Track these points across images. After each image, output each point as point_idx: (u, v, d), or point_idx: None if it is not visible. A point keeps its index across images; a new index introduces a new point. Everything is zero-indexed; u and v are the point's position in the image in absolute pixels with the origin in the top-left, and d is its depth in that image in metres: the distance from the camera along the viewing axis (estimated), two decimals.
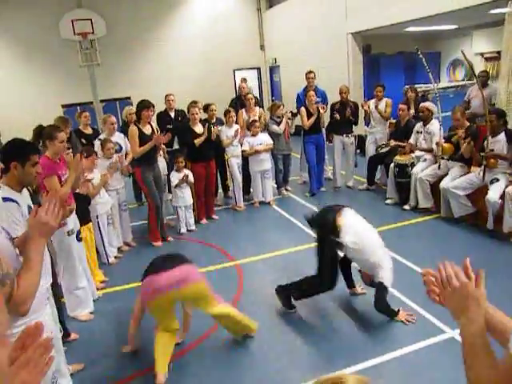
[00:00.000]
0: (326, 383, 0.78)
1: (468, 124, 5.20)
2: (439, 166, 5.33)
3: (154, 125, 5.34)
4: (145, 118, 4.98)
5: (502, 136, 4.65)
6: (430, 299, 1.14)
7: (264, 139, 6.33)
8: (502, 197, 4.51)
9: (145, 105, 4.97)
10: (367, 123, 7.06)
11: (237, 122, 6.33)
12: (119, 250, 5.13)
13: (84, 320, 3.72)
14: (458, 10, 6.67)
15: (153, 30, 12.04)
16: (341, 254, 3.50)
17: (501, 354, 0.89)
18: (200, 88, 11.54)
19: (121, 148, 5.41)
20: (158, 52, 12.21)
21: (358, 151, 7.83)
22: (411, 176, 5.60)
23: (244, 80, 8.20)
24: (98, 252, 4.64)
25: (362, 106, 6.83)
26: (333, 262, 3.40)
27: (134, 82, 11.76)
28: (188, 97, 7.11)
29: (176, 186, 5.49)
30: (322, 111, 6.45)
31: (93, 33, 11.20)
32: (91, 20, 11.12)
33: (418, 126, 5.79)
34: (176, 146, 6.32)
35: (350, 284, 3.77)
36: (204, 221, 5.94)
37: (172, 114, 6.62)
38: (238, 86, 7.47)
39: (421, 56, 5.28)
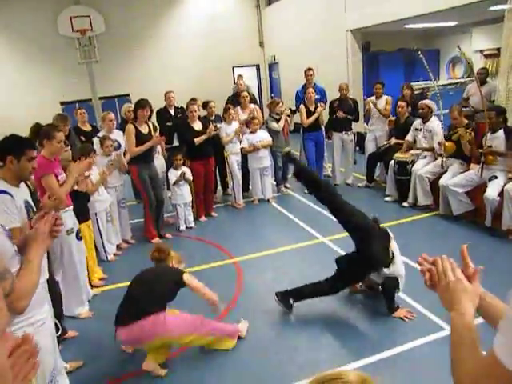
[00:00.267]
0: (326, 379, 0.78)
1: (466, 122, 5.19)
2: (442, 164, 5.32)
3: (151, 123, 5.31)
4: (141, 118, 4.97)
5: (500, 133, 4.65)
6: (427, 287, 1.15)
7: (263, 136, 6.32)
8: (501, 194, 4.51)
9: (141, 104, 4.96)
10: (367, 120, 7.05)
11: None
12: (118, 247, 5.13)
13: (83, 318, 3.73)
14: (457, 7, 6.66)
15: (152, 27, 12.00)
16: None
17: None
18: (199, 85, 11.51)
19: (119, 145, 5.40)
20: (156, 49, 12.17)
21: (358, 148, 7.83)
22: (411, 173, 5.60)
23: (240, 77, 8.18)
24: (96, 249, 4.64)
25: (365, 105, 6.83)
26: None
27: (133, 79, 11.73)
28: (187, 94, 7.11)
29: (174, 183, 5.48)
30: (321, 108, 6.44)
31: (91, 29, 11.16)
32: (90, 17, 11.08)
33: (417, 123, 5.78)
34: (176, 143, 6.31)
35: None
36: (203, 218, 5.94)
37: (172, 111, 6.61)
38: (236, 84, 7.45)
39: (421, 56, 5.27)
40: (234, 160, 6.22)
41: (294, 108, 7.10)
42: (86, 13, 11.07)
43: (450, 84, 10.17)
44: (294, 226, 5.48)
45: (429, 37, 11.70)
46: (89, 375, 2.99)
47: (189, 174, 5.56)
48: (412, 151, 5.81)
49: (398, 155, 5.81)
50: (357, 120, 6.85)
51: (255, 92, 13.07)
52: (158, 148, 5.75)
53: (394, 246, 3.38)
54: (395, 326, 3.25)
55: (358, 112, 6.85)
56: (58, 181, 3.41)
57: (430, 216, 5.36)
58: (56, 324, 2.71)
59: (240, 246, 5.01)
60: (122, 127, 6.00)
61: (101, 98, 11.73)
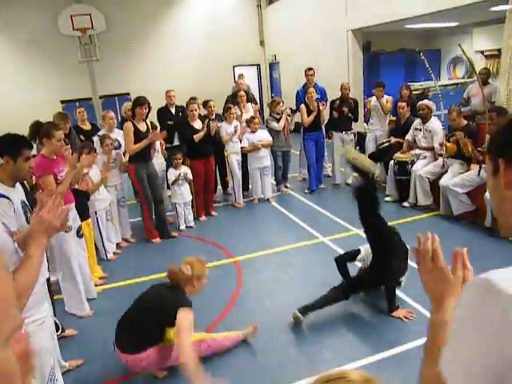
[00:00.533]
0: (329, 379, 0.78)
1: (466, 123, 5.18)
2: (443, 165, 5.31)
3: (149, 121, 5.31)
4: (139, 116, 4.95)
5: None
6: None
7: (263, 136, 6.32)
8: None
9: (139, 102, 4.94)
10: (367, 120, 7.05)
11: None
12: (118, 246, 5.13)
13: (82, 316, 3.72)
14: (458, 7, 6.65)
15: (152, 26, 11.99)
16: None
17: None
18: (199, 84, 11.51)
19: (120, 145, 5.40)
20: (157, 48, 12.17)
21: (358, 148, 7.82)
22: (411, 173, 5.59)
23: (241, 76, 8.17)
24: (96, 248, 4.63)
25: (365, 105, 6.84)
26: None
27: (134, 77, 11.73)
28: (187, 93, 7.10)
29: (173, 183, 5.48)
30: (321, 108, 6.44)
31: (92, 28, 11.15)
32: (90, 15, 11.07)
33: (417, 123, 5.78)
34: (176, 142, 6.31)
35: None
36: (203, 217, 5.94)
37: (173, 110, 6.61)
38: (235, 83, 7.45)
39: (423, 57, 5.27)
40: (234, 159, 6.22)
41: (294, 108, 7.10)
42: (87, 11, 11.06)
43: (450, 84, 10.17)
44: (294, 226, 5.48)
45: (429, 37, 11.70)
46: (88, 374, 2.99)
47: (189, 174, 5.56)
48: (412, 151, 5.81)
49: (398, 155, 5.81)
50: (356, 120, 6.86)
51: (255, 91, 13.07)
52: (158, 147, 5.74)
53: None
54: (396, 326, 3.25)
55: (358, 112, 6.86)
56: (57, 179, 3.41)
57: (430, 216, 5.36)
58: (56, 322, 2.71)
59: (240, 245, 5.00)
60: (122, 126, 5.99)
61: (101, 97, 11.72)
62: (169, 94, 6.57)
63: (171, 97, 6.55)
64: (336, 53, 9.64)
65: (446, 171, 5.24)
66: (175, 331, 2.58)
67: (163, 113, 6.60)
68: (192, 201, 5.76)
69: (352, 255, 3.69)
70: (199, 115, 5.82)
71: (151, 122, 5.59)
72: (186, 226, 5.66)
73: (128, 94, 11.37)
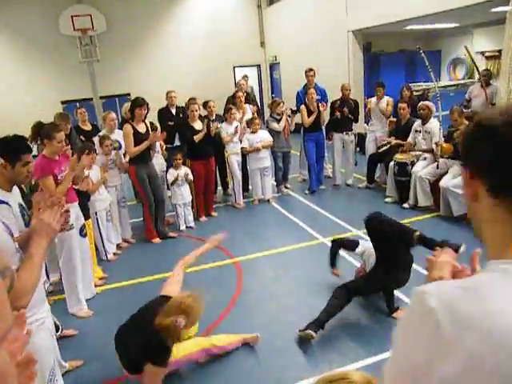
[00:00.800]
0: (332, 379, 0.78)
1: (467, 123, 5.18)
2: (438, 165, 5.32)
3: (148, 122, 5.30)
4: (138, 117, 4.95)
5: None
6: None
7: (264, 136, 6.32)
8: None
9: (138, 103, 4.93)
10: (367, 121, 7.05)
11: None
12: (118, 246, 5.13)
13: (83, 316, 3.72)
14: (459, 8, 6.65)
15: (152, 27, 12.00)
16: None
17: None
18: (200, 85, 11.52)
19: (120, 146, 5.39)
20: (157, 48, 12.17)
21: (358, 149, 7.83)
22: (411, 174, 5.59)
23: (245, 77, 8.16)
24: (96, 248, 4.64)
25: (366, 105, 6.84)
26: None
27: (134, 78, 11.73)
28: (188, 93, 7.11)
29: (172, 183, 5.48)
30: (322, 109, 6.44)
31: (93, 29, 11.16)
32: (91, 16, 11.08)
33: (417, 124, 5.78)
34: (177, 143, 6.31)
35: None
36: (203, 218, 5.94)
37: (173, 111, 6.61)
38: (236, 83, 7.44)
39: (422, 54, 5.27)
40: (234, 160, 6.22)
41: (294, 108, 7.10)
42: (88, 12, 11.07)
43: (450, 85, 10.17)
44: (294, 227, 5.47)
45: (430, 38, 11.70)
46: (88, 374, 2.99)
47: (189, 175, 5.56)
48: (412, 152, 5.81)
49: (398, 156, 5.81)
50: (356, 121, 6.86)
51: (256, 92, 13.09)
52: (158, 148, 5.74)
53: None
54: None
55: (358, 113, 6.86)
56: (57, 180, 3.42)
57: (430, 217, 5.36)
58: (55, 323, 2.71)
59: (240, 246, 5.00)
60: (122, 127, 5.99)
61: (102, 98, 11.73)
62: (170, 95, 6.57)
63: (172, 97, 6.55)
64: (336, 53, 9.64)
65: (446, 172, 5.24)
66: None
67: (164, 113, 6.60)
68: (192, 201, 5.77)
69: (351, 244, 3.73)
70: (199, 116, 5.83)
71: (151, 123, 5.58)
72: (186, 227, 5.66)
73: (128, 94, 11.37)
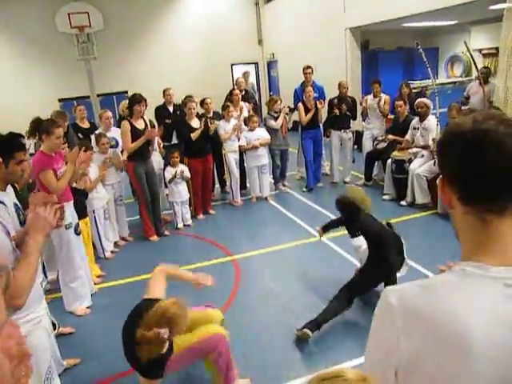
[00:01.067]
0: (326, 377, 0.78)
1: None
2: (435, 162, 5.33)
3: (147, 119, 5.29)
4: (137, 113, 4.94)
5: None
6: None
7: (261, 134, 6.32)
8: None
9: (137, 99, 4.92)
10: (364, 119, 7.05)
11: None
12: (116, 244, 5.13)
13: (80, 315, 3.72)
14: (457, 6, 6.65)
15: (150, 24, 11.96)
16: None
17: None
18: (197, 82, 11.48)
19: (117, 143, 5.39)
20: (155, 46, 12.13)
21: (356, 147, 7.83)
22: (409, 172, 5.60)
23: (246, 74, 8.11)
24: (94, 246, 4.63)
25: (361, 103, 6.84)
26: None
27: (131, 76, 11.70)
28: (185, 91, 7.08)
29: (170, 181, 5.47)
30: (319, 106, 6.44)
31: (90, 26, 11.11)
32: (88, 13, 11.03)
33: (415, 121, 5.79)
34: (174, 141, 6.30)
35: None
36: (201, 216, 5.93)
37: (170, 108, 6.59)
38: (235, 81, 7.43)
39: (420, 50, 5.26)
40: (231, 158, 6.21)
41: (292, 106, 7.10)
42: (85, 10, 11.01)
43: (448, 83, 10.17)
44: (292, 224, 5.48)
45: (428, 35, 11.69)
46: (86, 372, 3.00)
47: (186, 172, 5.55)
48: (409, 150, 5.81)
49: (396, 154, 5.82)
50: (354, 118, 6.86)
51: (254, 91, 13.05)
52: (156, 145, 5.73)
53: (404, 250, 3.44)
54: None
55: (356, 110, 6.86)
56: (56, 175, 3.41)
57: (427, 214, 5.37)
58: (52, 321, 2.70)
59: (238, 243, 5.01)
60: (119, 124, 5.97)
61: (99, 95, 11.69)
62: (167, 93, 6.55)
63: (170, 95, 6.53)
64: (334, 51, 9.63)
65: None
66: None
67: (161, 111, 6.57)
68: (190, 199, 5.76)
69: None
70: (197, 113, 5.81)
71: (150, 121, 5.57)
72: (184, 225, 5.66)
73: (126, 92, 11.33)
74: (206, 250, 4.93)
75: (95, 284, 4.20)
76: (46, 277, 3.90)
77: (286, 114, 6.77)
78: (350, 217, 3.49)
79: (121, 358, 3.09)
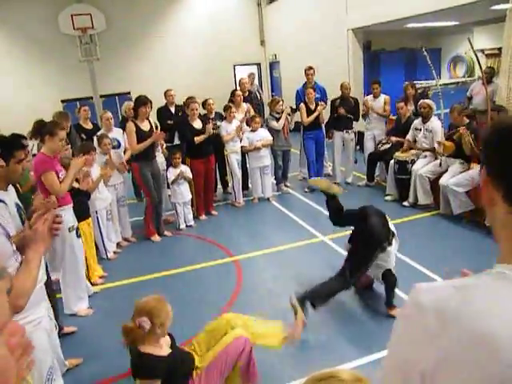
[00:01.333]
0: (321, 378, 0.78)
1: (467, 121, 5.18)
2: (440, 163, 5.31)
3: (153, 120, 5.31)
4: (142, 115, 4.95)
5: None
6: None
7: (263, 135, 6.32)
8: None
9: (142, 101, 4.94)
10: (365, 119, 7.03)
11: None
12: (118, 245, 5.14)
13: (83, 315, 3.73)
14: (459, 6, 6.64)
15: (152, 25, 11.99)
16: None
17: None
18: (200, 83, 11.50)
19: (119, 144, 5.40)
20: (157, 47, 12.16)
21: (358, 147, 7.82)
22: (411, 173, 5.59)
23: (251, 76, 8.07)
24: (97, 247, 4.64)
25: (364, 104, 6.84)
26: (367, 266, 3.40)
27: (134, 77, 11.73)
28: (188, 92, 7.09)
29: (172, 182, 5.48)
30: (320, 107, 6.43)
31: (92, 28, 11.15)
32: (91, 15, 11.06)
33: (417, 122, 5.78)
34: (177, 142, 6.31)
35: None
36: (203, 216, 5.94)
37: (172, 110, 6.60)
38: (238, 82, 7.41)
39: (426, 54, 5.25)
40: (234, 159, 6.22)
41: (294, 107, 7.10)
42: (88, 11, 11.05)
43: (451, 83, 10.15)
44: (294, 225, 5.47)
45: (430, 36, 11.68)
46: (88, 372, 3.00)
47: (188, 173, 5.56)
48: (412, 151, 5.80)
49: (398, 154, 5.81)
50: (357, 119, 6.85)
51: (258, 92, 13.05)
52: (158, 146, 5.74)
53: (391, 225, 3.43)
54: (390, 327, 3.24)
55: (359, 111, 6.86)
56: (58, 177, 3.41)
57: (430, 215, 5.36)
58: (55, 322, 2.71)
59: (240, 244, 5.01)
60: (122, 125, 5.99)
61: (102, 96, 11.72)
62: (169, 94, 6.56)
63: (172, 96, 6.54)
64: (336, 52, 9.62)
65: (446, 170, 5.24)
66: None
67: (163, 112, 6.60)
68: (192, 200, 5.77)
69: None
70: (199, 114, 5.82)
71: (154, 122, 5.59)
72: (186, 226, 5.67)
73: (128, 93, 11.37)
74: (208, 251, 4.93)
75: (97, 285, 4.21)
76: (49, 277, 3.92)
77: (288, 114, 6.77)
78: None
79: (123, 359, 3.11)
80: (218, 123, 6.04)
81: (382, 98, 6.61)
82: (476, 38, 10.95)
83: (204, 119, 5.81)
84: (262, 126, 6.48)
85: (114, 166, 4.97)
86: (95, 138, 5.27)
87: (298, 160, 7.38)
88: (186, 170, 5.55)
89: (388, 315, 3.37)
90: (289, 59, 11.99)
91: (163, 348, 2.24)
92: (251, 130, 6.28)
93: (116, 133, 5.44)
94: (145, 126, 4.99)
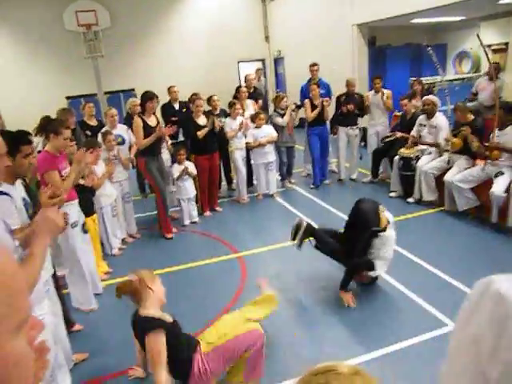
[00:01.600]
0: (319, 371, 0.79)
1: (472, 118, 5.14)
2: (448, 160, 5.28)
3: (159, 116, 5.32)
4: (149, 110, 4.96)
5: (509, 130, 4.61)
6: None
7: (268, 131, 6.31)
8: (507, 190, 4.48)
9: (149, 96, 4.95)
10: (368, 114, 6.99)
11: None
12: (123, 241, 5.16)
13: (88, 311, 3.76)
14: (466, 1, 6.58)
15: (157, 22, 11.98)
16: None
17: None
18: (204, 79, 11.50)
19: (124, 140, 5.41)
20: (162, 43, 12.15)
21: (363, 144, 7.80)
22: (416, 169, 5.57)
23: (259, 71, 8.01)
24: (102, 243, 4.67)
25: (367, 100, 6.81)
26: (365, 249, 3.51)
27: (138, 73, 11.73)
28: (192, 88, 7.10)
29: (177, 178, 5.49)
30: (325, 104, 6.41)
31: (97, 24, 11.16)
32: (95, 11, 11.08)
33: (422, 118, 5.74)
34: (181, 138, 6.31)
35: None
36: (207, 213, 5.95)
37: (176, 106, 6.60)
38: (244, 78, 7.38)
39: (431, 52, 5.21)
40: (238, 155, 6.22)
41: (299, 103, 7.08)
42: (92, 7, 11.06)
43: (456, 79, 10.08)
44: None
45: (436, 31, 11.58)
46: (94, 368, 3.03)
47: (192, 169, 5.57)
48: (417, 147, 5.77)
49: (403, 151, 5.78)
50: (362, 115, 6.82)
51: (261, 87, 13.03)
52: (164, 142, 5.75)
53: (387, 215, 3.50)
54: (397, 322, 3.25)
55: (364, 108, 6.82)
56: (61, 176, 3.42)
57: (435, 212, 5.33)
58: (68, 318, 2.73)
59: (244, 240, 5.02)
60: (126, 122, 6.01)
61: (106, 93, 11.75)
62: (172, 90, 6.56)
63: (175, 92, 6.54)
64: (341, 48, 9.58)
65: (451, 167, 5.22)
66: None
67: (167, 109, 6.60)
68: (196, 196, 5.78)
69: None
70: (204, 111, 5.82)
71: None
72: (191, 222, 5.68)
73: (133, 89, 11.38)
74: (212, 247, 4.95)
75: (103, 281, 4.23)
76: (55, 273, 3.95)
77: (293, 110, 6.76)
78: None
79: (129, 353, 3.14)
80: (223, 120, 6.03)
81: (385, 92, 6.57)
82: (483, 33, 10.83)
83: (209, 115, 5.80)
84: (266, 123, 6.47)
85: (120, 162, 5.00)
86: (100, 135, 5.29)
87: (302, 156, 7.37)
88: (190, 166, 5.56)
89: (387, 316, 3.37)
90: (293, 55, 11.95)
91: (166, 317, 2.38)
92: (256, 127, 6.27)
93: (120, 129, 5.46)
94: (152, 122, 5.00)
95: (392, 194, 5.99)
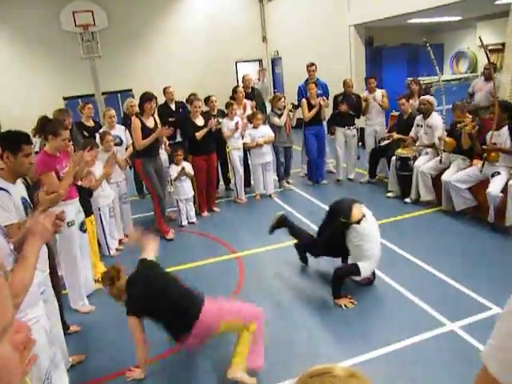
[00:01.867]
0: (314, 374, 0.78)
1: (470, 117, 5.16)
2: (441, 160, 5.30)
3: (156, 117, 5.31)
4: (148, 111, 4.95)
5: (505, 130, 4.62)
6: None
7: (266, 131, 6.31)
8: (504, 190, 4.49)
9: (147, 97, 4.93)
10: (365, 114, 7.01)
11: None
12: (120, 242, 5.15)
13: (85, 312, 3.75)
14: (462, 1, 6.60)
15: (154, 22, 11.97)
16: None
17: None
18: (202, 80, 11.51)
19: (121, 141, 5.40)
20: (159, 44, 12.15)
21: (360, 144, 7.80)
22: (413, 169, 5.58)
23: (262, 70, 7.95)
24: (99, 244, 4.66)
25: (364, 100, 6.82)
26: (329, 242, 3.70)
27: (136, 74, 11.73)
28: (190, 89, 7.10)
29: (175, 179, 5.49)
30: (322, 103, 6.42)
31: (94, 25, 11.15)
32: (92, 12, 11.07)
33: (418, 119, 5.76)
34: (179, 139, 6.30)
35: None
36: (205, 213, 5.95)
37: (172, 106, 6.59)
38: (242, 78, 7.38)
39: (429, 49, 5.22)
40: (235, 155, 6.22)
41: (296, 103, 7.08)
42: (89, 8, 11.05)
43: (453, 79, 10.11)
44: (296, 221, 5.45)
45: (433, 31, 11.62)
46: (90, 369, 3.02)
47: (189, 169, 5.56)
48: (414, 147, 5.79)
49: (400, 151, 5.79)
50: (359, 116, 6.83)
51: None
52: (161, 143, 5.74)
53: (365, 210, 3.56)
54: (394, 322, 3.25)
55: (361, 107, 6.83)
56: (59, 176, 3.42)
57: (432, 212, 5.34)
58: (65, 321, 2.72)
59: (242, 241, 5.01)
60: (123, 122, 5.99)
61: (103, 93, 11.73)
62: (168, 91, 6.54)
63: (171, 93, 6.52)
64: (338, 48, 9.60)
65: (448, 167, 5.23)
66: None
67: (163, 109, 6.58)
68: (194, 197, 5.78)
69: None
70: (202, 112, 5.82)
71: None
72: (188, 222, 5.68)
73: (130, 90, 11.37)
74: (210, 248, 4.94)
75: (100, 281, 4.21)
76: (55, 273, 3.93)
77: (290, 111, 6.76)
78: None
79: (125, 354, 3.13)
80: (220, 120, 6.03)
81: (379, 92, 6.60)
82: (479, 34, 10.89)
83: (206, 116, 5.80)
84: (264, 123, 6.47)
85: (117, 162, 4.98)
86: (97, 136, 5.27)
87: (299, 157, 7.37)
88: (187, 166, 5.55)
89: (385, 316, 3.37)
90: (290, 55, 11.96)
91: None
92: (253, 127, 6.28)
93: (118, 130, 5.45)
94: (150, 123, 4.99)
95: (389, 194, 6.00)
